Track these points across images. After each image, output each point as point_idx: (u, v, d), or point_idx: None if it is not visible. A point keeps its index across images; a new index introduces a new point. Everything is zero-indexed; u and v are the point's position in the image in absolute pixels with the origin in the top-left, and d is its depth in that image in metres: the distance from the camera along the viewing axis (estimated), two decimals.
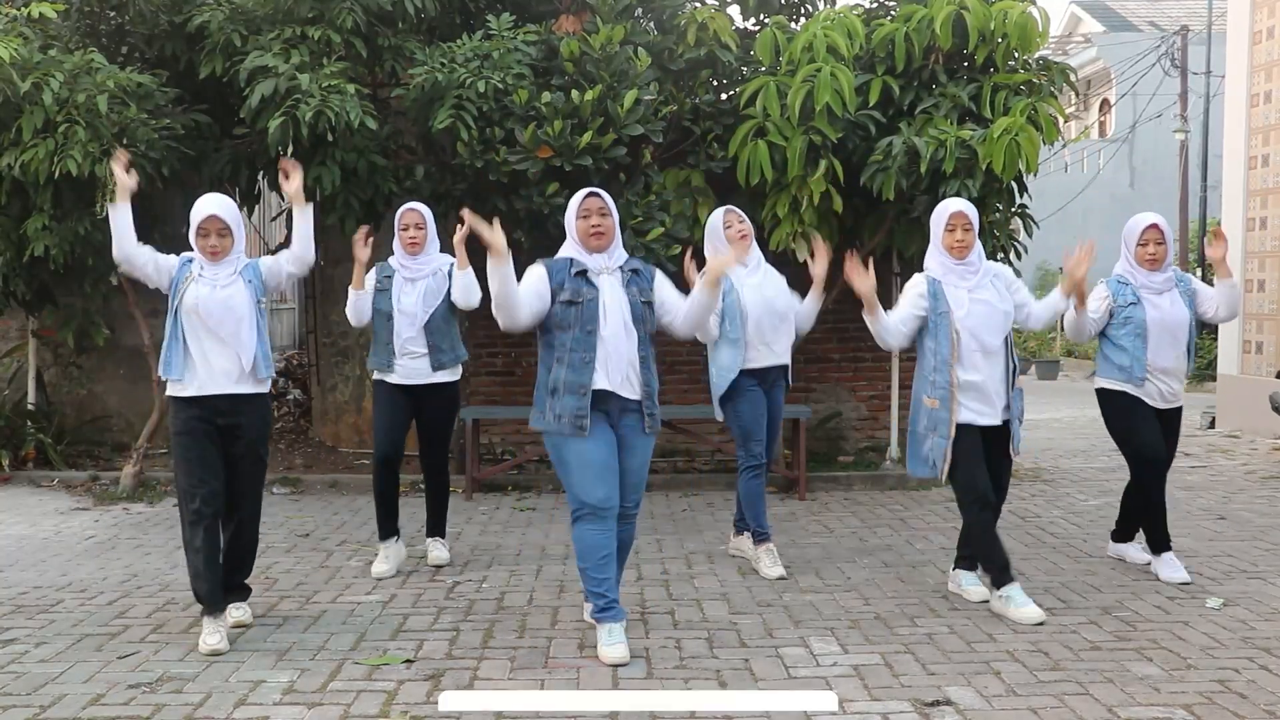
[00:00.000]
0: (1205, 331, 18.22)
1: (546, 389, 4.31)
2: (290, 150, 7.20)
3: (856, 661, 4.21)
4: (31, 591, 5.26)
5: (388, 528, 5.65)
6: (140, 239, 4.70)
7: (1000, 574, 4.81)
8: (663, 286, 4.48)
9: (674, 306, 4.47)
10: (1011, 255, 7.98)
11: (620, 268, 4.39)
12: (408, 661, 4.23)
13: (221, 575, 4.56)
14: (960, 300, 4.84)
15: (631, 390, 4.32)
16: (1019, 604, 4.72)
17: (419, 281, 5.55)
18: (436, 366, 5.56)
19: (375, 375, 5.66)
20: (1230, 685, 3.95)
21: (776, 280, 5.67)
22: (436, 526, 5.86)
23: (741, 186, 7.37)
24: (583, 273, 4.31)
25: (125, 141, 6.96)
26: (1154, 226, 5.33)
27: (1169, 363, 5.34)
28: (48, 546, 6.23)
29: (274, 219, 11.07)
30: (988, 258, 7.52)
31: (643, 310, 4.35)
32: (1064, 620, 4.73)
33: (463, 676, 4.06)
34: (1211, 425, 11.53)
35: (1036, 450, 10.11)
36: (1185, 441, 10.54)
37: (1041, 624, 4.64)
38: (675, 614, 4.85)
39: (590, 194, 4.39)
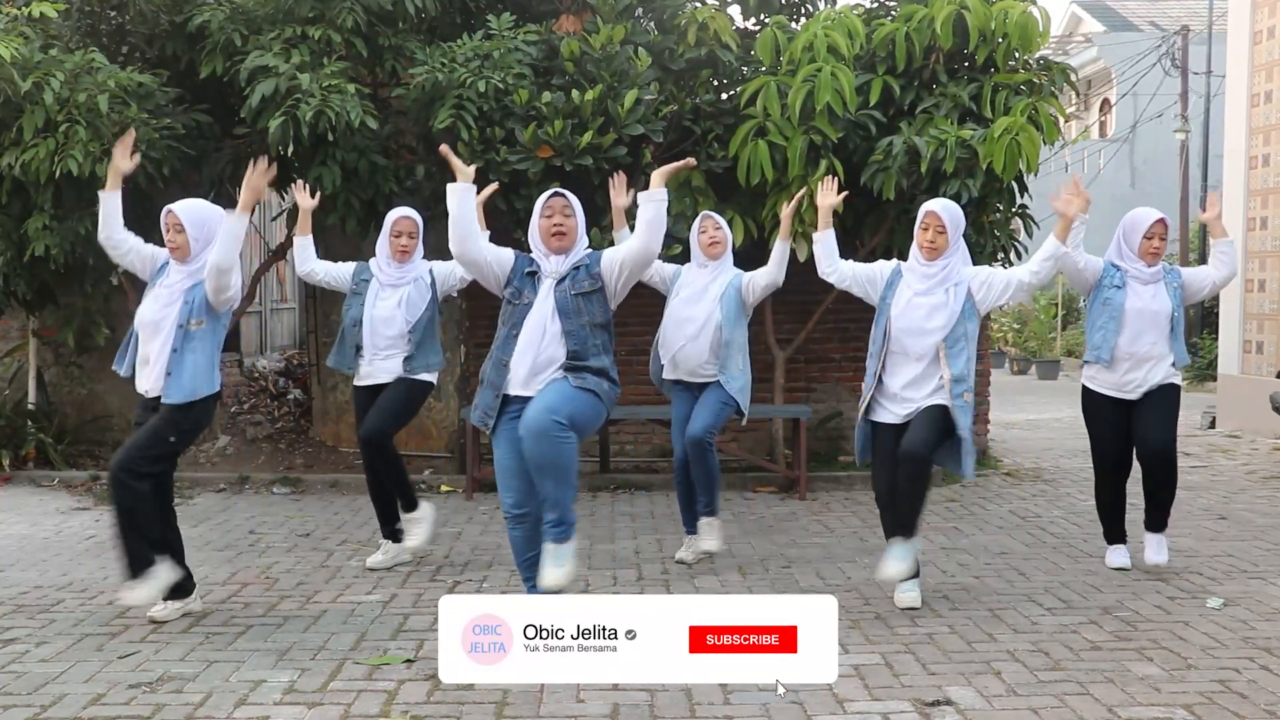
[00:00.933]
0: (1205, 331, 18.23)
1: (480, 378, 4.42)
2: (290, 150, 7.20)
3: (856, 661, 4.21)
4: (32, 591, 5.26)
5: (386, 528, 5.71)
6: (141, 238, 4.75)
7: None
8: (607, 256, 4.37)
9: (625, 251, 4.35)
10: (1012, 255, 7.98)
11: (572, 267, 4.33)
12: (408, 661, 4.23)
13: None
14: (902, 299, 4.89)
15: (541, 386, 4.24)
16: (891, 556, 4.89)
17: (400, 288, 5.58)
18: (408, 370, 5.61)
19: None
20: (1231, 685, 3.95)
21: (710, 299, 5.61)
22: (404, 505, 5.75)
23: (742, 186, 7.38)
24: (533, 274, 4.34)
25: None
26: (1161, 221, 5.43)
27: (1142, 349, 5.39)
28: (48, 546, 6.23)
29: (274, 219, 11.08)
30: (987, 258, 7.56)
31: (572, 303, 4.27)
32: (1064, 620, 4.73)
33: None
34: (1212, 425, 11.53)
35: (1037, 450, 10.11)
36: (1185, 441, 10.53)
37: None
38: None
39: (555, 193, 4.39)
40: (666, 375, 5.77)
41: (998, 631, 4.58)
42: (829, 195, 5.21)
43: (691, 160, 4.93)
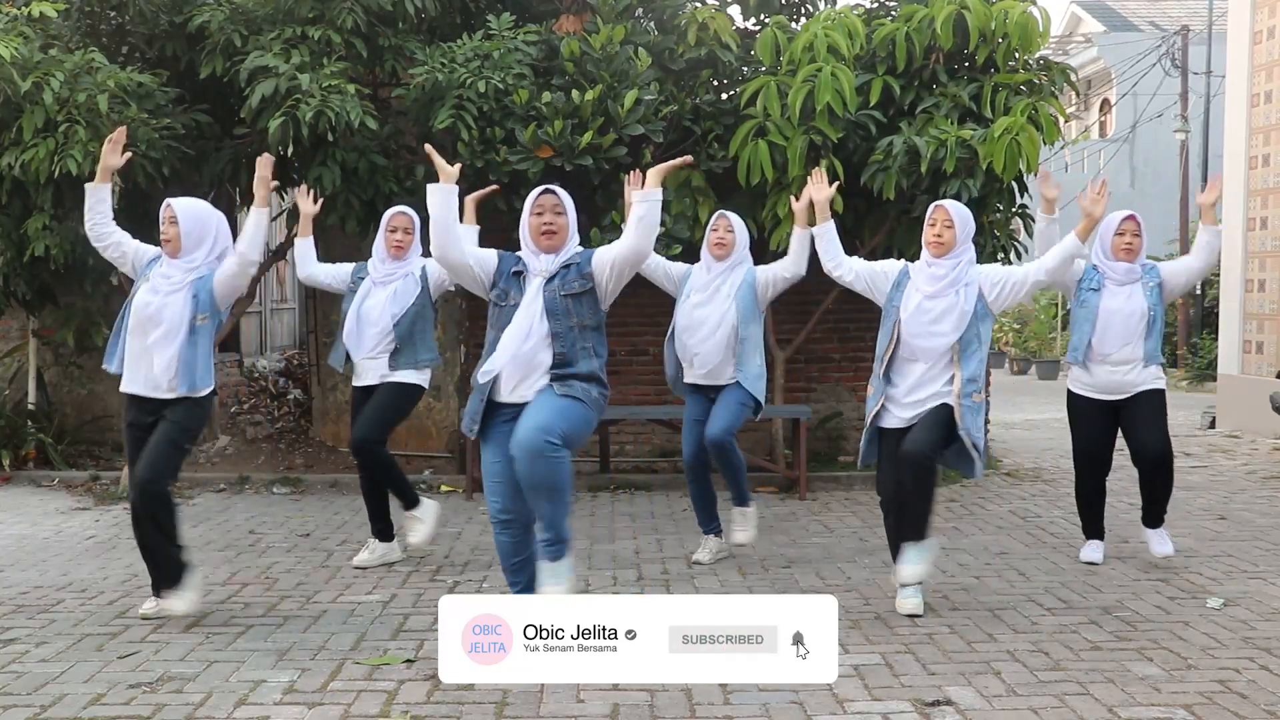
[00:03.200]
0: (1205, 331, 18.23)
1: (471, 382, 4.35)
2: (290, 150, 7.20)
3: (856, 661, 4.21)
4: (32, 591, 5.26)
5: (374, 525, 5.75)
6: (141, 238, 4.76)
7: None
8: (598, 255, 4.25)
9: (616, 250, 4.23)
10: (1012, 255, 7.98)
11: (561, 266, 4.23)
12: (408, 661, 4.23)
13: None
14: (911, 301, 4.83)
15: (529, 392, 4.19)
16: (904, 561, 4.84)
17: (390, 284, 5.60)
18: (393, 367, 5.58)
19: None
20: (1231, 685, 3.95)
21: (722, 298, 5.58)
22: (404, 504, 5.74)
23: (742, 186, 7.38)
24: (519, 274, 4.26)
25: (126, 141, 6.95)
26: (1131, 218, 5.54)
27: (1113, 349, 5.45)
28: (48, 546, 6.23)
29: (274, 219, 11.07)
30: (987, 258, 7.56)
31: (561, 304, 4.18)
32: (1064, 620, 4.73)
33: None
34: (1212, 425, 11.53)
35: (1037, 450, 10.12)
36: (1185, 441, 10.54)
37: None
38: None
39: (545, 190, 4.29)
40: (687, 379, 5.71)
41: (998, 631, 4.58)
42: (821, 188, 5.17)
43: (689, 158, 4.87)
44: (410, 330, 5.59)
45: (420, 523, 5.70)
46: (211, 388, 4.72)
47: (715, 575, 5.54)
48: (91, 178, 6.84)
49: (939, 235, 4.81)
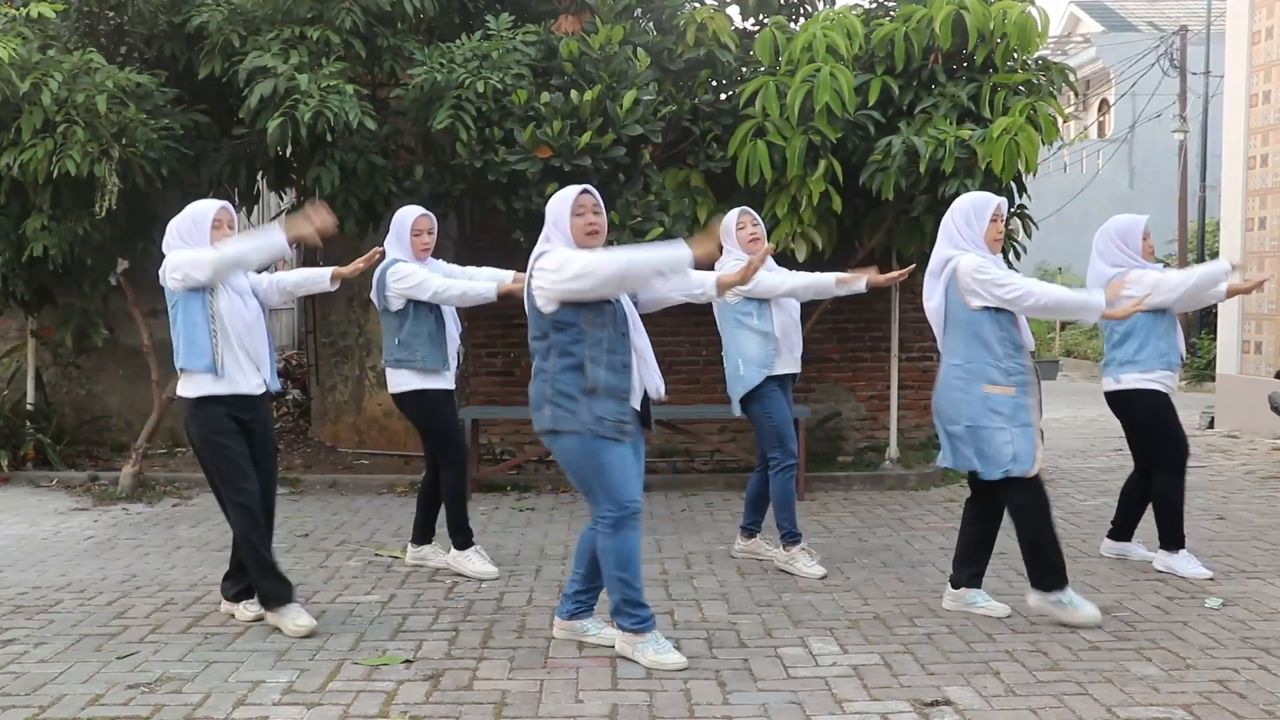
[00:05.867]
0: (1204, 331, 18.22)
1: (579, 389, 4.07)
2: (289, 150, 7.20)
3: (856, 661, 4.21)
4: (31, 592, 5.26)
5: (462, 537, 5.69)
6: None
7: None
8: None
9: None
10: (1011, 255, 7.98)
11: None
12: (407, 662, 4.23)
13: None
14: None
15: (641, 396, 4.25)
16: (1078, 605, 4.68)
17: None
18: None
19: (420, 381, 5.48)
20: (1229, 685, 3.95)
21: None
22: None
23: (741, 186, 7.38)
24: None
25: (124, 141, 6.96)
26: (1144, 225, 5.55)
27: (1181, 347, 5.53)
28: (47, 547, 6.23)
29: (273, 219, 11.08)
30: None
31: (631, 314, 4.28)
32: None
33: (462, 676, 4.06)
34: (1211, 425, 11.53)
35: None
36: None
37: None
38: (675, 614, 4.85)
39: (584, 191, 4.27)
40: (779, 370, 5.56)
41: (997, 631, 4.58)
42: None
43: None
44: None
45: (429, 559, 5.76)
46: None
47: (715, 576, 5.54)
48: (90, 178, 6.90)
49: (1001, 233, 4.71)
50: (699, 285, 4.50)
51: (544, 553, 6.04)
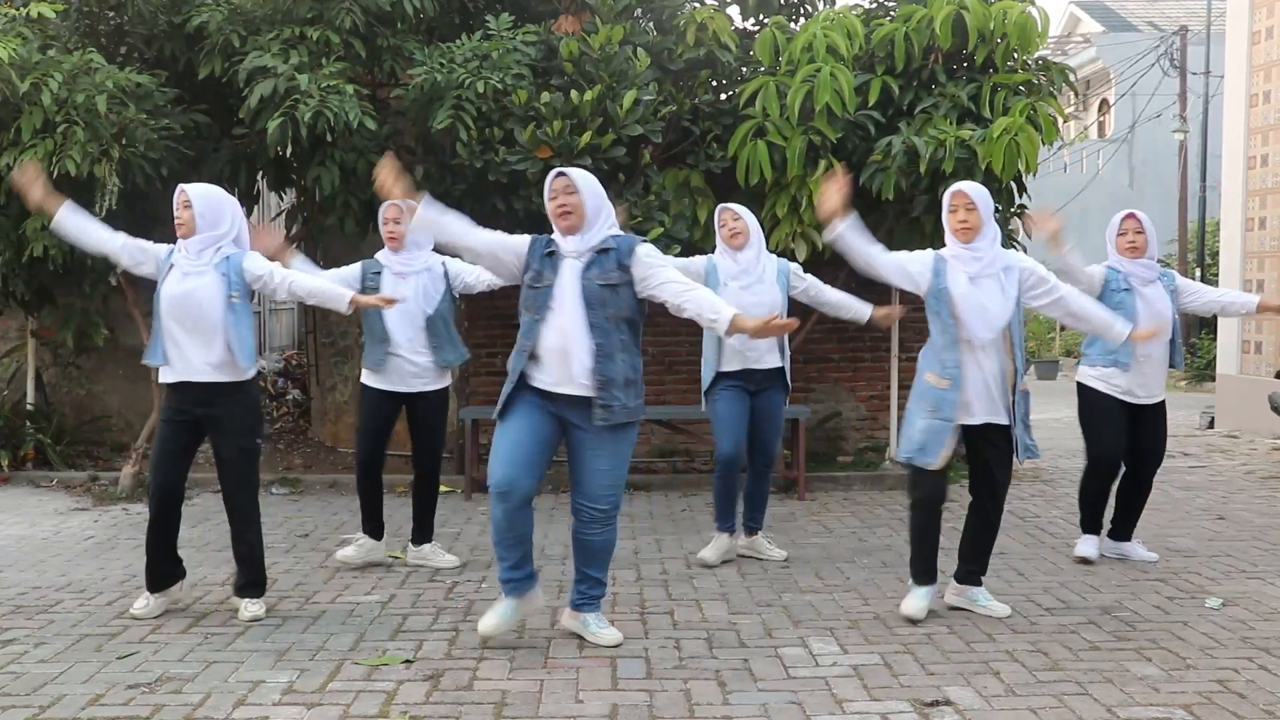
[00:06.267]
0: (1204, 331, 18.23)
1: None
2: (289, 151, 7.20)
3: (856, 661, 4.21)
4: (31, 592, 5.26)
5: (369, 525, 5.72)
6: (140, 239, 4.80)
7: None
8: (644, 260, 4.19)
9: (662, 282, 4.17)
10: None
11: (592, 249, 4.20)
12: (407, 662, 4.23)
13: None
14: (960, 282, 4.59)
15: (575, 386, 4.18)
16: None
17: (410, 278, 5.50)
18: (441, 366, 5.58)
19: (365, 376, 5.61)
20: (1230, 685, 3.95)
21: (769, 284, 5.58)
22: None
23: (741, 186, 7.38)
24: (552, 254, 4.25)
25: (124, 142, 6.96)
26: (1131, 216, 5.60)
27: (1154, 350, 5.47)
28: (47, 547, 6.23)
29: (274, 219, 11.08)
30: None
31: (600, 294, 4.15)
32: (1064, 620, 4.73)
33: (462, 677, 4.06)
34: (1211, 425, 11.53)
35: None
36: (1185, 441, 10.55)
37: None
38: (675, 614, 4.85)
39: (558, 173, 4.28)
40: (725, 367, 5.55)
41: (997, 632, 4.58)
42: (830, 196, 4.57)
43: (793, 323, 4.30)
44: (443, 330, 5.55)
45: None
46: (255, 369, 4.77)
47: (714, 575, 5.54)
48: (90, 178, 6.89)
49: (964, 221, 4.59)
50: (713, 313, 4.18)
51: (544, 553, 6.04)
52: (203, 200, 4.68)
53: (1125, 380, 5.54)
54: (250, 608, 4.79)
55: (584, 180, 4.28)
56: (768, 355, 5.60)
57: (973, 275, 4.59)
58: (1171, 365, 5.64)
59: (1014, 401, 4.65)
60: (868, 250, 4.67)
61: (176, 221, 4.69)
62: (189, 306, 4.59)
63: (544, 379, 4.22)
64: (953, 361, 4.58)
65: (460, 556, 5.95)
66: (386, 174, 4.29)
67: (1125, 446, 5.61)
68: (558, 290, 4.19)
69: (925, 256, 4.71)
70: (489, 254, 4.33)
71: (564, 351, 4.16)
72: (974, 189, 4.68)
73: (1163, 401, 5.68)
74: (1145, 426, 5.62)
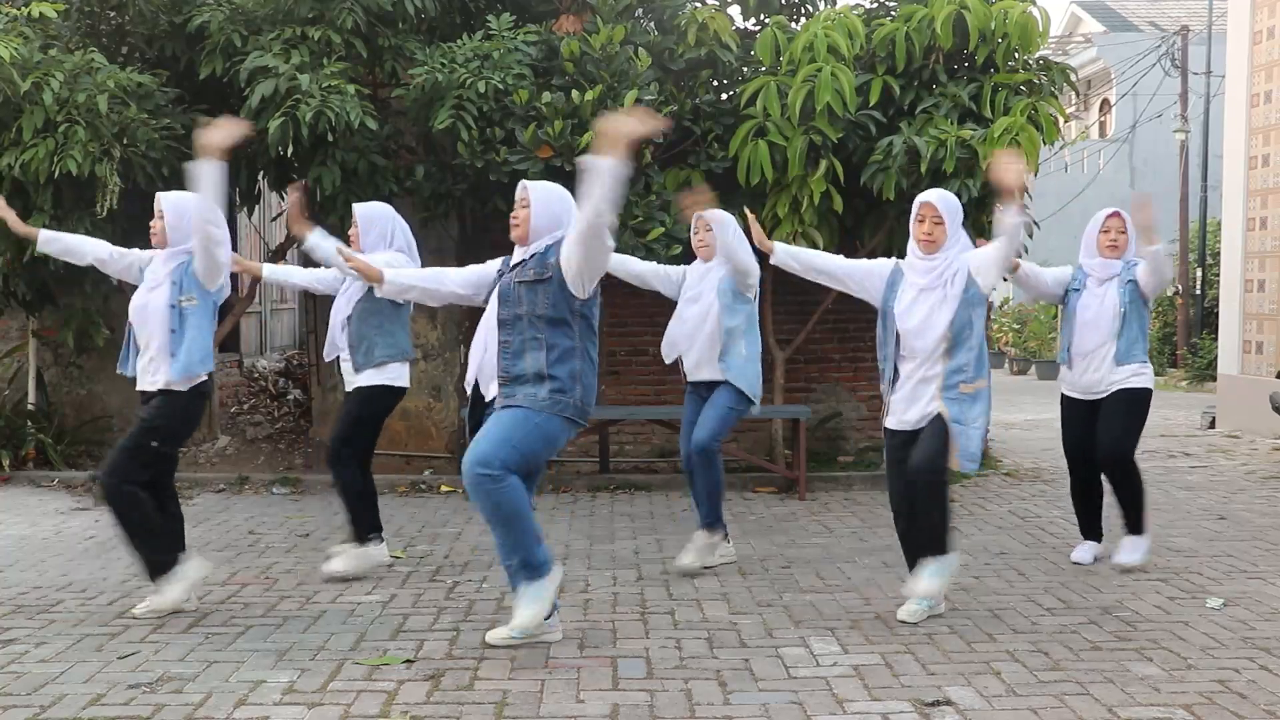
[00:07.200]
0: (1205, 331, 18.22)
1: None
2: (290, 150, 7.20)
3: (856, 661, 4.21)
4: (31, 591, 5.26)
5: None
6: (141, 239, 4.83)
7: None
8: (565, 240, 4.16)
9: (570, 235, 4.13)
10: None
11: (534, 255, 4.20)
12: (408, 662, 4.23)
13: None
14: (905, 298, 4.70)
15: (490, 383, 4.31)
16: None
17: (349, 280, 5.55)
18: (356, 368, 5.47)
19: None
20: (1230, 685, 3.95)
21: (706, 296, 5.53)
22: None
23: (742, 186, 7.38)
24: (503, 272, 4.36)
25: (125, 141, 6.97)
26: (1116, 214, 5.58)
27: (1091, 347, 5.51)
28: (48, 546, 6.23)
29: (274, 219, 11.08)
30: None
31: (514, 290, 4.18)
32: (1064, 620, 4.73)
33: (463, 677, 4.06)
34: (1212, 425, 11.53)
35: (1036, 450, 10.11)
36: (1185, 441, 10.56)
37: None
38: (675, 614, 4.85)
39: (521, 184, 4.35)
40: (689, 378, 5.72)
41: (997, 631, 4.58)
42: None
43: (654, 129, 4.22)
44: (361, 328, 5.44)
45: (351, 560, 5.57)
46: (210, 370, 4.76)
47: (715, 575, 5.53)
48: (91, 178, 6.90)
49: (929, 234, 4.66)
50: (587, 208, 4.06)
51: None
52: (174, 211, 4.71)
53: (1072, 377, 5.65)
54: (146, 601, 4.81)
55: (540, 194, 4.27)
56: (705, 368, 5.58)
57: (922, 288, 4.70)
58: (1132, 359, 5.47)
59: (945, 404, 4.67)
60: (815, 258, 5.03)
61: (151, 233, 4.76)
62: (145, 317, 4.70)
63: (484, 387, 4.37)
64: (888, 373, 4.80)
65: (461, 556, 5.96)
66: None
67: (1086, 444, 5.63)
68: (493, 295, 4.33)
69: (885, 269, 4.85)
70: (471, 290, 4.49)
71: (484, 349, 4.33)
72: (943, 202, 4.73)
73: (1119, 393, 5.47)
74: (1099, 423, 5.54)
